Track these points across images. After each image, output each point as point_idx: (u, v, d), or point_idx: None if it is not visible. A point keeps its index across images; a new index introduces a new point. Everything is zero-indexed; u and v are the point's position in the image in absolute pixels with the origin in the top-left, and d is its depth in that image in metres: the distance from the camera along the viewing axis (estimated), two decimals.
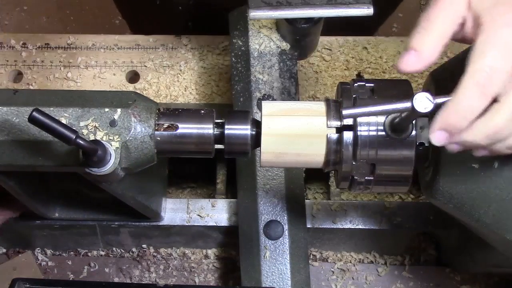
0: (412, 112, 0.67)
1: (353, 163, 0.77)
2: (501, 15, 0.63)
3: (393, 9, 1.47)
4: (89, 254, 1.21)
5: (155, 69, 1.18)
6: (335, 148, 0.78)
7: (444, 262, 1.18)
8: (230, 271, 1.19)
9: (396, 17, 1.84)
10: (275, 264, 0.98)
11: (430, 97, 0.66)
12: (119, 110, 0.79)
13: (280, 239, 0.99)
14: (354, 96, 0.79)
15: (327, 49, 1.19)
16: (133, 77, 1.20)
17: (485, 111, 0.64)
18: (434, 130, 0.65)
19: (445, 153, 0.77)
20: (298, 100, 1.06)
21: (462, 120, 0.64)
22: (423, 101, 0.66)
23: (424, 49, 0.66)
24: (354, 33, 1.21)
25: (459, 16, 0.67)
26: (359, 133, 0.76)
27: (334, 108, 0.79)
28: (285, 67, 1.05)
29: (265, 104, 0.80)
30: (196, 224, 1.12)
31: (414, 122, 0.76)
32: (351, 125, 0.77)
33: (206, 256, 1.20)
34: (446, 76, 0.80)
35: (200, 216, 1.12)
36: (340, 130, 0.77)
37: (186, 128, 0.81)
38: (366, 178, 0.78)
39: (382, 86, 0.80)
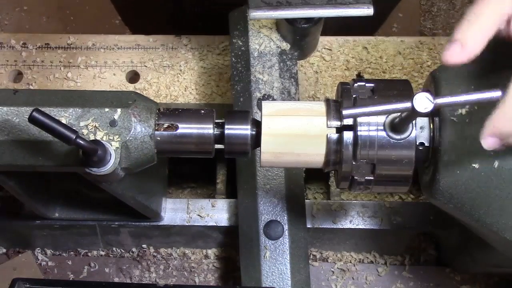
0: (412, 112, 0.67)
1: (353, 163, 0.77)
2: None
3: (392, 7, 1.47)
4: (89, 254, 1.21)
5: (155, 69, 1.18)
6: (335, 148, 0.78)
7: (444, 262, 1.18)
8: (230, 271, 1.19)
9: (396, 17, 1.85)
10: (275, 264, 0.98)
11: (430, 97, 0.66)
12: (119, 110, 0.79)
13: (280, 239, 0.99)
14: (354, 96, 0.79)
15: (327, 49, 1.19)
16: (133, 77, 1.20)
17: None
18: (485, 137, 0.67)
19: (445, 153, 0.77)
20: (298, 100, 1.06)
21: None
22: (423, 101, 0.66)
23: (469, 41, 0.66)
24: (354, 33, 1.21)
25: (505, 13, 0.67)
26: (359, 133, 0.76)
27: (334, 108, 0.79)
28: (285, 67, 1.05)
29: (265, 104, 0.80)
30: (196, 224, 1.12)
31: (414, 122, 0.76)
32: (351, 125, 0.77)
33: (206, 256, 1.20)
34: (446, 76, 0.80)
35: (200, 216, 1.12)
36: (340, 130, 0.77)
37: (186, 128, 0.81)
38: (366, 178, 0.78)
39: (382, 86, 0.80)
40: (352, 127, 0.77)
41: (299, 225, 1.01)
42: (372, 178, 0.78)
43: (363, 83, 0.80)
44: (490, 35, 0.67)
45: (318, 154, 0.78)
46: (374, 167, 0.77)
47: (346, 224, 1.10)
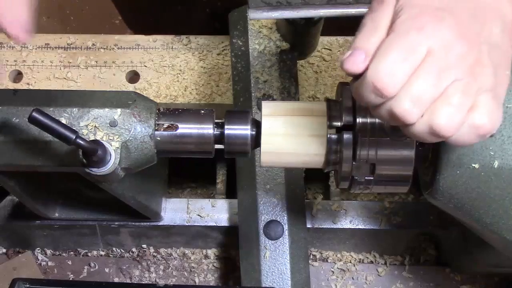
0: None
1: (353, 163, 0.77)
2: (412, 17, 0.60)
3: None
4: (89, 254, 1.21)
5: (155, 69, 1.18)
6: (335, 148, 0.78)
7: (444, 262, 1.18)
8: (230, 271, 1.19)
9: None
10: (275, 264, 0.98)
11: None
12: (119, 110, 0.79)
13: (280, 239, 0.99)
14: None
15: (327, 49, 1.19)
16: (133, 77, 1.20)
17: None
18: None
19: (445, 153, 0.77)
20: (298, 100, 1.06)
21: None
22: None
23: (372, 51, 0.62)
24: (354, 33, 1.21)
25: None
26: (358, 137, 0.76)
27: (334, 108, 0.79)
28: (285, 67, 1.05)
29: (265, 104, 0.80)
30: (196, 224, 1.12)
31: None
32: (351, 125, 0.77)
33: (206, 256, 1.20)
34: None
35: (200, 216, 1.12)
36: (340, 130, 0.77)
37: (186, 128, 0.81)
38: (366, 178, 0.78)
39: None
40: (352, 127, 0.77)
41: (299, 225, 1.01)
42: (372, 178, 0.78)
43: None
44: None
45: (318, 154, 0.78)
46: (374, 167, 0.77)
47: (346, 224, 1.10)
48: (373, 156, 0.76)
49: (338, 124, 0.77)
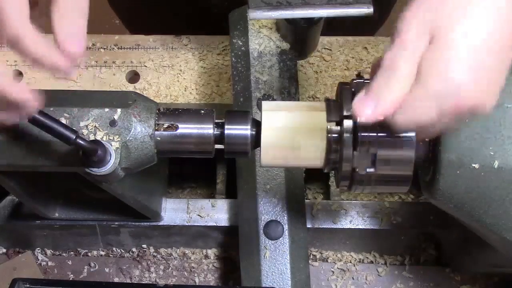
0: None
1: (353, 160, 0.77)
2: None
3: (390, 9, 1.46)
4: (89, 254, 1.20)
5: (155, 69, 1.19)
6: (335, 147, 0.78)
7: (444, 262, 1.18)
8: (230, 271, 1.19)
9: (396, 17, 1.85)
10: (275, 264, 0.98)
11: None
12: (119, 110, 0.79)
13: (280, 239, 0.99)
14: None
15: (327, 49, 1.19)
16: (133, 77, 1.20)
17: None
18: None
19: (445, 153, 0.77)
20: (298, 100, 1.06)
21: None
22: None
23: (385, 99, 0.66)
24: (354, 33, 1.21)
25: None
26: (359, 132, 0.76)
27: (334, 107, 0.79)
28: (285, 67, 1.05)
29: (265, 104, 0.80)
30: (196, 224, 1.12)
31: None
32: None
33: (206, 256, 1.20)
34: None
35: (200, 216, 1.12)
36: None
37: (186, 128, 0.81)
38: (366, 177, 0.78)
39: None
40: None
41: (299, 225, 1.01)
42: (371, 177, 0.78)
43: (362, 81, 0.80)
44: (407, 90, 0.63)
45: (318, 151, 0.78)
46: (374, 165, 0.77)
47: (346, 224, 1.10)
48: (373, 151, 0.76)
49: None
